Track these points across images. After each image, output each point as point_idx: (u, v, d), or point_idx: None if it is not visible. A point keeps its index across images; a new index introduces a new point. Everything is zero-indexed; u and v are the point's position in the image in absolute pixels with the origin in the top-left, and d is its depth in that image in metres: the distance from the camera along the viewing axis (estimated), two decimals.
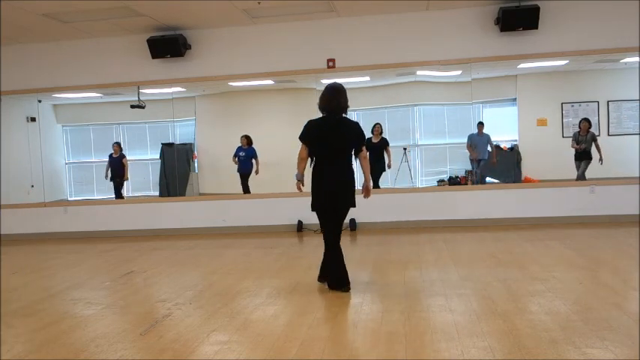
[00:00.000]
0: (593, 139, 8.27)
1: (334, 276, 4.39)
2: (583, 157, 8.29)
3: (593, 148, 8.25)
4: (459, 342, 3.14)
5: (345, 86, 4.49)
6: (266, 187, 8.25)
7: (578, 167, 8.34)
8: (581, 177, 8.22)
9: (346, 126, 4.39)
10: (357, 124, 4.47)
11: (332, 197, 4.35)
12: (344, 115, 4.41)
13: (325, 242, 4.45)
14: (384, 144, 8.81)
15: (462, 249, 5.97)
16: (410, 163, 9.62)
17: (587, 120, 8.38)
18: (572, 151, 8.36)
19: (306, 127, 4.41)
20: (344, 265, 4.39)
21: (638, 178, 7.23)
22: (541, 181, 8.39)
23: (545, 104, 9.46)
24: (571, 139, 8.41)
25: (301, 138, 4.39)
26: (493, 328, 3.34)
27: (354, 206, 4.44)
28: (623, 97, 9.08)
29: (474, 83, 7.94)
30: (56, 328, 3.81)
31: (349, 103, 4.42)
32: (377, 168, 8.67)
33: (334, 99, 4.35)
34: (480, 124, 8.69)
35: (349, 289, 4.33)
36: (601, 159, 8.21)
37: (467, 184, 8.89)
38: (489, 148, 8.83)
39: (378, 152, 8.72)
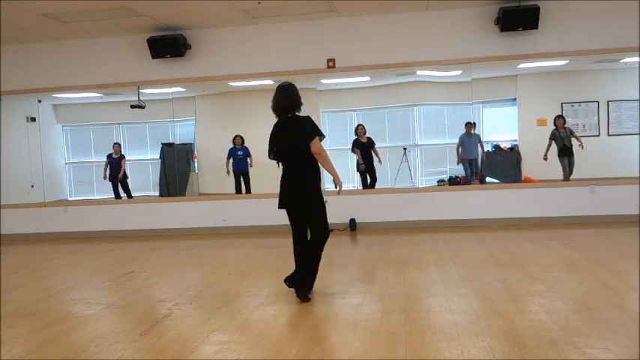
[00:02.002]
0: (572, 133, 8.39)
1: (296, 274, 4.25)
2: (566, 153, 8.37)
3: (574, 142, 8.39)
4: (459, 342, 3.14)
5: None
6: (266, 186, 8.25)
7: (563, 164, 8.39)
8: (568, 176, 8.28)
9: (295, 123, 4.21)
10: (305, 117, 4.23)
11: (289, 201, 4.23)
12: (297, 113, 4.24)
13: (293, 242, 4.33)
14: (371, 144, 8.88)
15: (462, 249, 5.97)
16: (410, 163, 9.62)
17: (561, 116, 8.51)
18: (575, 147, 8.42)
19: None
20: (308, 268, 4.20)
21: (638, 178, 7.23)
22: (541, 181, 8.39)
23: (545, 104, 9.45)
24: (549, 138, 8.42)
25: None
26: (493, 328, 3.34)
27: (319, 202, 4.19)
28: (623, 97, 9.07)
29: (474, 83, 7.93)
30: (56, 328, 3.81)
31: (302, 101, 4.26)
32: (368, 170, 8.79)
33: (282, 98, 4.21)
34: (468, 125, 8.71)
35: (303, 298, 4.14)
36: (581, 144, 8.32)
37: (466, 184, 8.90)
38: (480, 148, 8.89)
39: (367, 152, 8.81)
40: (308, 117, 4.24)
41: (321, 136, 4.19)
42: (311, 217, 4.22)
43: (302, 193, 4.19)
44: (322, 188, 4.34)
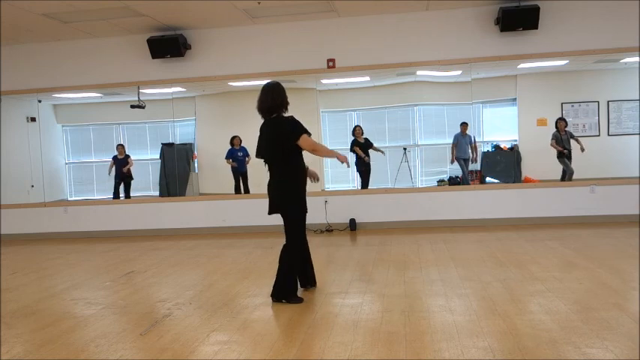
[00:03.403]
0: (571, 136, 8.43)
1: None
2: (566, 155, 8.39)
3: (573, 145, 8.40)
4: (459, 342, 3.14)
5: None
6: (266, 186, 8.25)
7: (564, 164, 8.40)
8: (570, 177, 8.30)
9: (275, 125, 4.09)
10: (287, 118, 4.09)
11: (269, 205, 4.20)
12: (282, 114, 4.12)
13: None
14: (369, 144, 8.93)
15: (462, 249, 5.97)
16: (410, 163, 9.63)
17: (563, 119, 8.52)
18: (573, 151, 8.40)
19: None
20: (279, 274, 4.22)
21: (638, 178, 7.23)
22: (541, 181, 8.39)
23: (545, 104, 9.46)
24: (552, 139, 8.42)
25: None
26: (493, 328, 3.34)
27: (293, 207, 4.13)
28: (623, 97, 9.08)
29: (474, 83, 7.94)
30: (56, 328, 3.82)
31: (288, 100, 4.13)
32: (367, 169, 8.82)
33: (265, 98, 4.08)
34: (464, 124, 8.82)
35: (275, 300, 4.19)
36: (582, 149, 8.33)
37: (468, 184, 8.91)
38: (470, 149, 8.94)
39: (365, 152, 8.86)
40: (291, 117, 4.13)
41: (307, 133, 4.05)
42: (283, 222, 4.19)
43: (277, 197, 4.16)
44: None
